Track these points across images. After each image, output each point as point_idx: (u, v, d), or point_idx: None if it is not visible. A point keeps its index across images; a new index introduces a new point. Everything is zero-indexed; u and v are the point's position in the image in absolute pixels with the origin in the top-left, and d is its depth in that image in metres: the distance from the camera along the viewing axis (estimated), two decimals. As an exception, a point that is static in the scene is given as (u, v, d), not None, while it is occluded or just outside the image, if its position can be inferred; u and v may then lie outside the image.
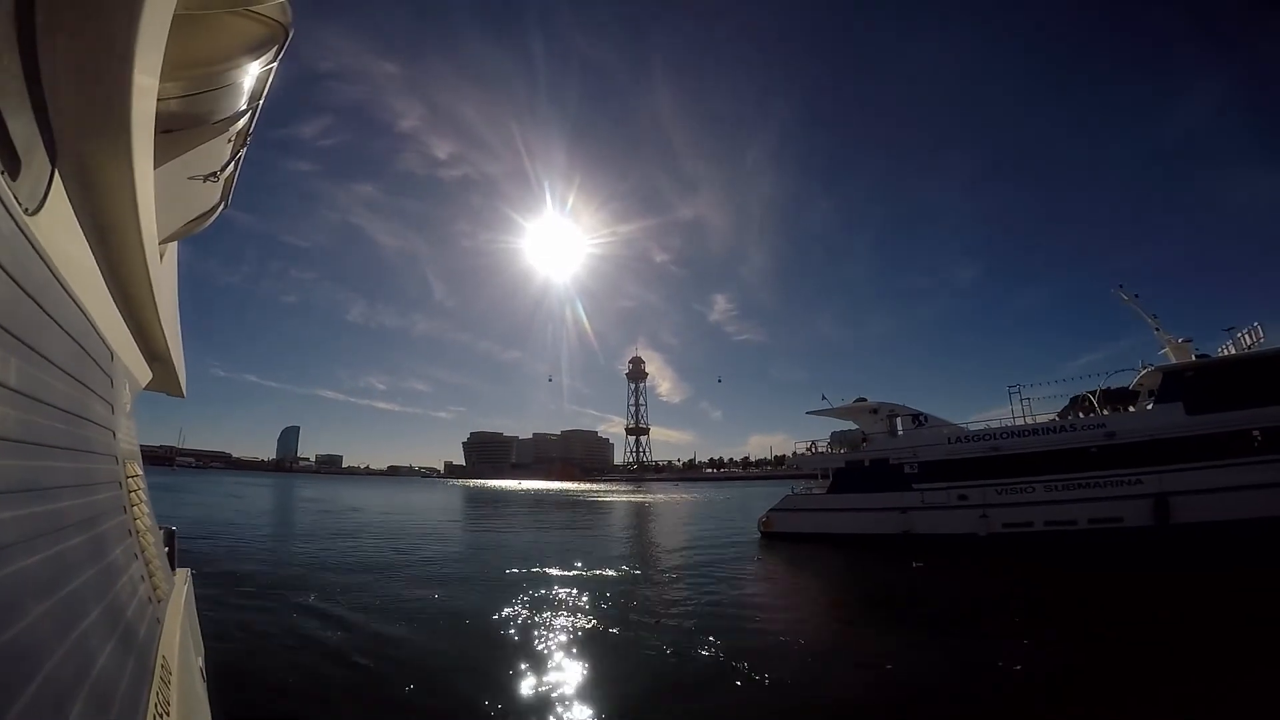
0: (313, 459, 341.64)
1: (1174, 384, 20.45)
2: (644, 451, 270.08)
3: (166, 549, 4.21)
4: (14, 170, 1.38)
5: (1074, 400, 23.79)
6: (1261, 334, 20.66)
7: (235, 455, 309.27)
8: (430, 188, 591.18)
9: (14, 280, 1.31)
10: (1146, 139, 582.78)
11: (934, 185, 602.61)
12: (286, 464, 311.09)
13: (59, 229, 1.75)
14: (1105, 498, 19.55)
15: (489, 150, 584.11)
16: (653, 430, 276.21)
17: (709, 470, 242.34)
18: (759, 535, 24.79)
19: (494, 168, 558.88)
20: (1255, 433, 18.74)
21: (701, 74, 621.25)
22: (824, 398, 27.03)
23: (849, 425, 26.06)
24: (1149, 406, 21.32)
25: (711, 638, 9.67)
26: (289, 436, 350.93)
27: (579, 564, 17.44)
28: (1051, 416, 23.19)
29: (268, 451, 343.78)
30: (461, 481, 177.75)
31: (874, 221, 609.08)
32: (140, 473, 3.45)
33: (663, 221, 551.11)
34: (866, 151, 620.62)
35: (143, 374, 3.86)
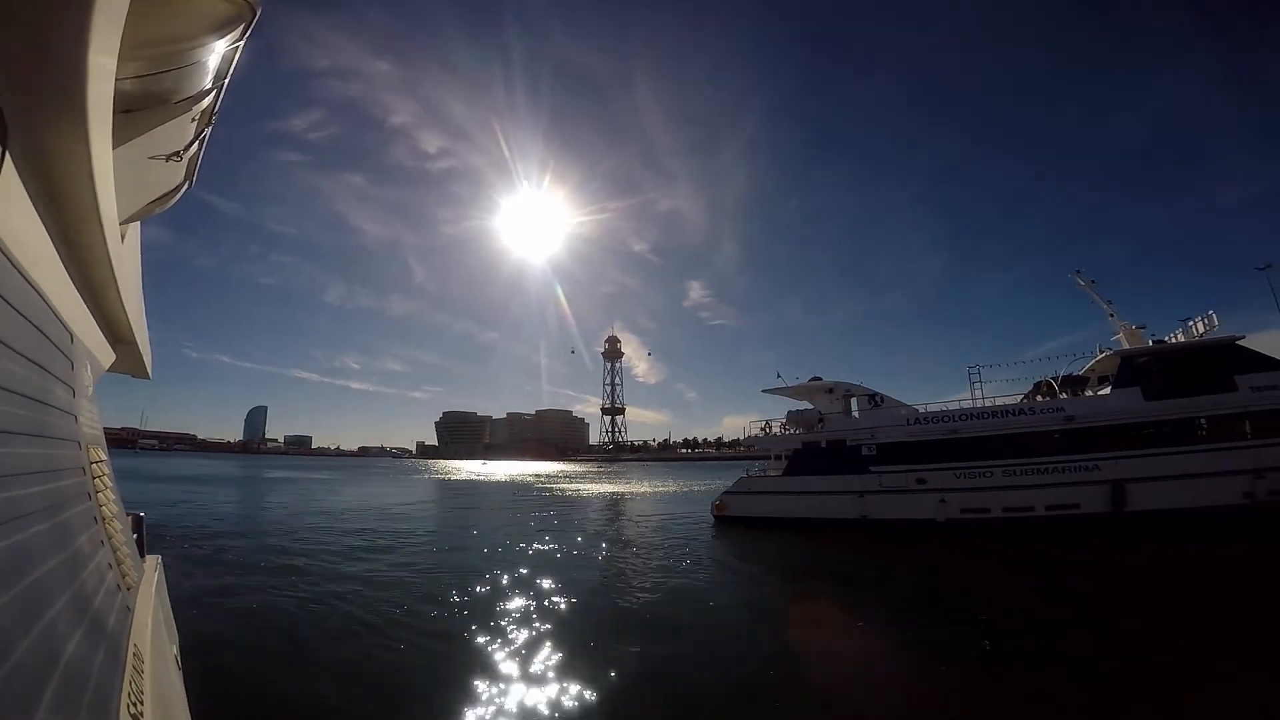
0: (281, 440, 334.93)
1: (1132, 369, 20.32)
2: (619, 431, 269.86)
3: (135, 535, 4.10)
4: None
5: (1036, 385, 23.61)
6: (1216, 321, 20.65)
7: (201, 437, 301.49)
8: (415, 177, 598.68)
9: None
10: (1111, 132, 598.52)
11: (899, 179, 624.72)
12: (254, 445, 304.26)
13: (11, 211, 1.72)
14: (1063, 483, 19.39)
15: (473, 143, 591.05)
16: (629, 410, 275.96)
17: (683, 450, 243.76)
18: (712, 519, 24.21)
19: (478, 159, 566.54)
20: (1201, 420, 18.79)
21: (679, 75, 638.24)
22: (779, 376, 26.33)
23: (805, 405, 25.56)
24: (1105, 391, 21.29)
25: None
26: (256, 417, 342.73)
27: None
28: (1017, 399, 22.97)
29: (236, 433, 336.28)
30: (427, 463, 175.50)
31: (841, 213, 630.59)
32: (105, 458, 3.35)
33: (641, 212, 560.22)
34: (835, 146, 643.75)
35: (105, 356, 3.77)
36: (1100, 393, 21.74)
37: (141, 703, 2.21)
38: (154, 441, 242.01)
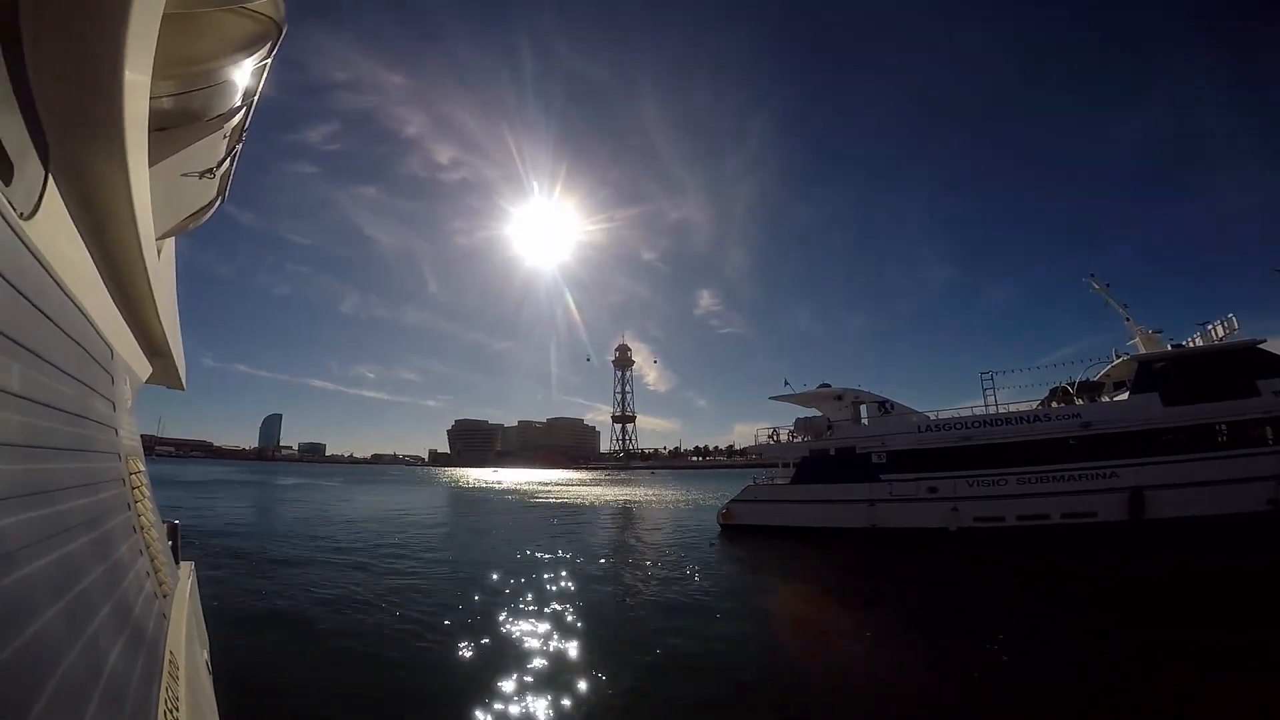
0: (295, 447, 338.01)
1: (1150, 374, 19.83)
2: (630, 439, 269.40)
3: (170, 543, 4.19)
4: (7, 176, 1.36)
5: (1052, 391, 23.12)
6: (1236, 324, 20.11)
7: (217, 444, 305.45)
8: (429, 189, 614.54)
9: (13, 286, 1.30)
10: (1116, 136, 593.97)
11: (908, 188, 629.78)
12: (269, 453, 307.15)
13: (55, 231, 1.74)
14: (1079, 491, 18.92)
15: (486, 156, 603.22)
16: (639, 418, 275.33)
17: (694, 458, 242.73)
18: (718, 528, 23.85)
19: (491, 172, 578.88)
20: (1222, 425, 18.28)
21: (685, 88, 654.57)
22: (786, 383, 25.89)
23: (813, 412, 25.22)
24: (1122, 396, 20.80)
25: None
26: (271, 424, 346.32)
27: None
28: (1031, 406, 22.46)
29: (252, 440, 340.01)
30: (438, 470, 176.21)
31: (849, 222, 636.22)
32: (143, 469, 3.41)
33: (651, 222, 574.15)
34: (840, 155, 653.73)
35: (143, 369, 3.86)
36: (1117, 398, 21.27)
37: (177, 709, 2.25)
38: (171, 448, 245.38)
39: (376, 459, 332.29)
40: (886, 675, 7.97)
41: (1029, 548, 17.77)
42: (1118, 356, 22.63)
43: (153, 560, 2.86)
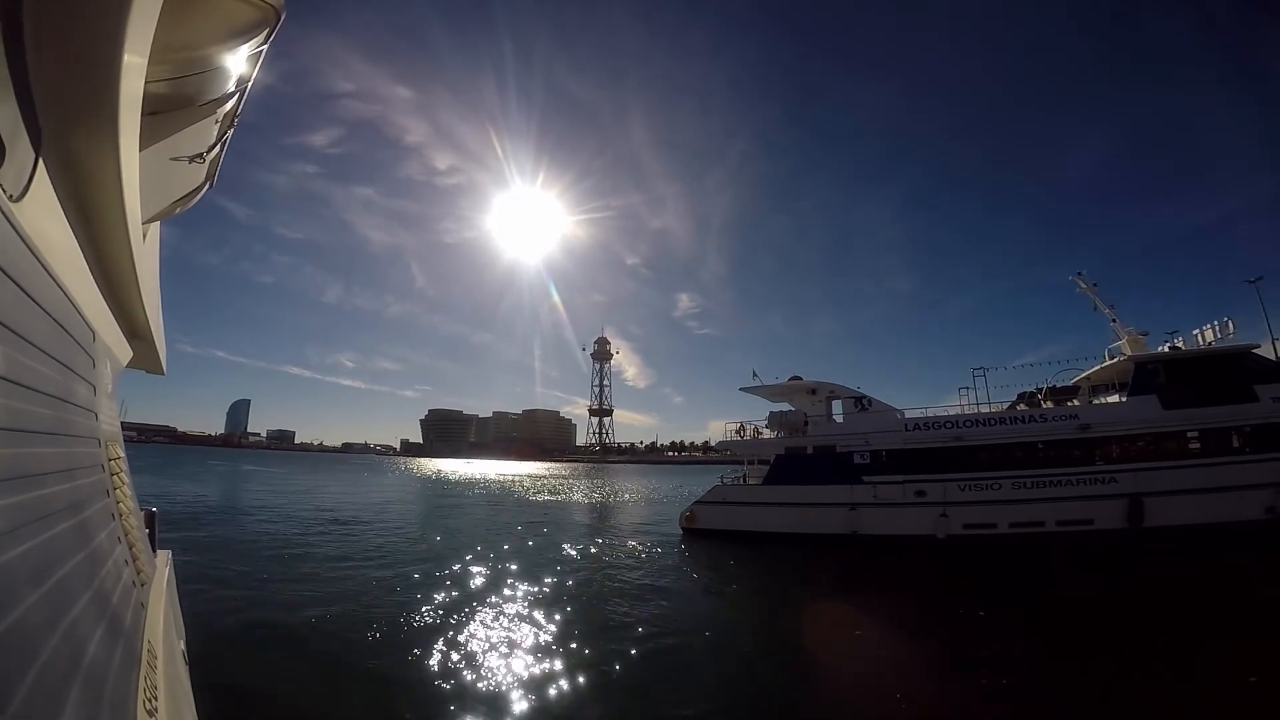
0: (263, 434, 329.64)
1: (1147, 376, 18.74)
2: (607, 433, 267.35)
3: (148, 531, 4.03)
4: None
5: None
6: (1232, 328, 19.30)
7: (181, 429, 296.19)
8: (422, 191, 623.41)
9: None
10: (1092, 143, 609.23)
11: (881, 194, 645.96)
12: (235, 439, 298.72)
13: (43, 213, 1.71)
14: (1076, 497, 17.80)
15: (478, 161, 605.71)
16: (616, 413, 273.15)
17: (670, 453, 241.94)
18: (680, 532, 21.83)
19: (483, 176, 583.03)
20: (1224, 431, 17.40)
21: (670, 110, 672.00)
22: (755, 375, 24.01)
23: (785, 406, 23.51)
24: (1111, 399, 19.77)
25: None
26: (238, 410, 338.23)
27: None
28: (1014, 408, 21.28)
29: (219, 426, 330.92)
30: (406, 460, 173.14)
31: (823, 230, 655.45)
32: (122, 455, 3.33)
33: (633, 229, 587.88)
34: (823, 160, 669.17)
35: (124, 353, 3.76)
36: (1108, 399, 20.17)
37: (156, 698, 2.21)
38: (133, 433, 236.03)
39: (347, 448, 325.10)
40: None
41: (1021, 556, 16.53)
42: (1109, 358, 21.54)
43: (131, 548, 2.79)
